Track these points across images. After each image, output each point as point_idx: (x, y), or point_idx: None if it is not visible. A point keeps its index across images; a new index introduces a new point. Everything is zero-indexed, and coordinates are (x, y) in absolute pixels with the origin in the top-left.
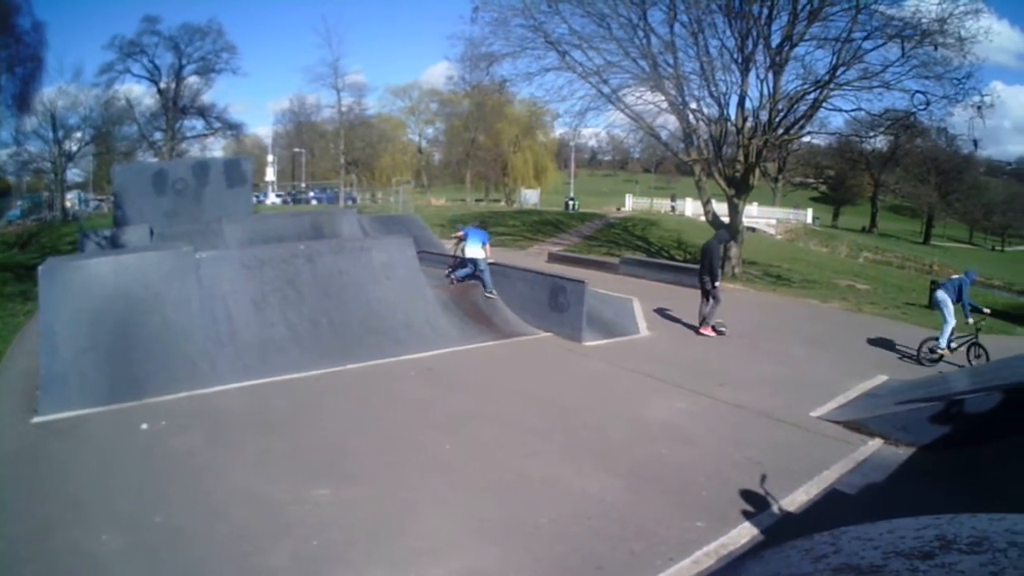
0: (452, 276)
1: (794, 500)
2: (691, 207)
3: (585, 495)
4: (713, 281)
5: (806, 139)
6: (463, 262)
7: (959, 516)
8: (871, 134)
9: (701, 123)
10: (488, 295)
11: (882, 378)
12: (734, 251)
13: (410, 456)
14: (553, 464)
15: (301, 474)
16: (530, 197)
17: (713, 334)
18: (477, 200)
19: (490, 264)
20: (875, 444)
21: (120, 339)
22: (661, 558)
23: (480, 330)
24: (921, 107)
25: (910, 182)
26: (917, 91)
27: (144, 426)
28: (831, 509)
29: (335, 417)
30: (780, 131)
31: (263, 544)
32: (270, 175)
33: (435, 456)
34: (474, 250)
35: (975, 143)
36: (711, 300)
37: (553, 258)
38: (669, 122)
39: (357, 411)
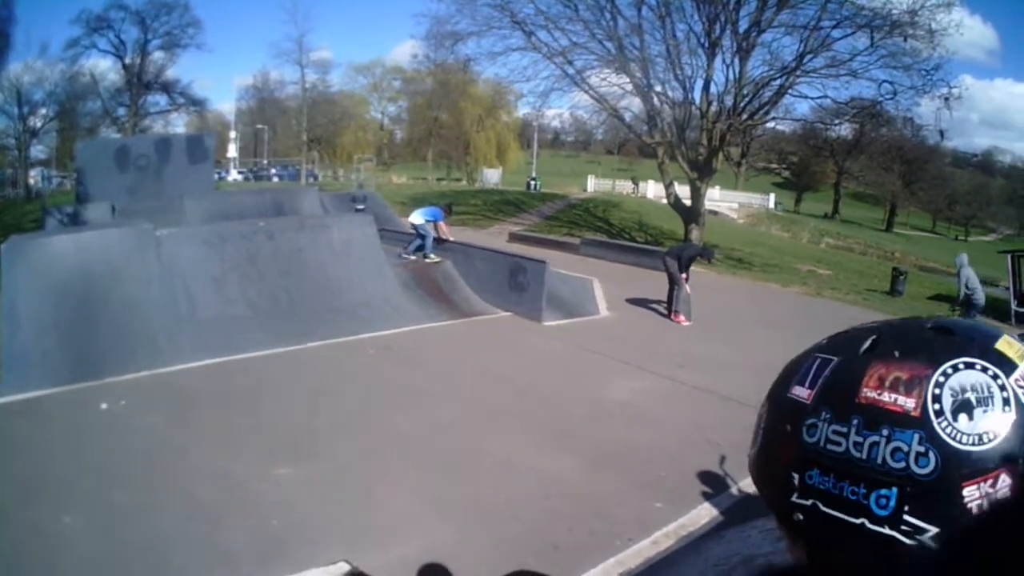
0: (404, 251)
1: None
2: (653, 189)
3: (543, 474)
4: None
5: (770, 125)
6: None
7: None
8: (836, 122)
9: (665, 106)
10: (428, 258)
11: None
12: (695, 234)
13: (370, 434)
14: (512, 443)
15: (262, 452)
16: (491, 176)
17: (686, 322)
18: (439, 179)
19: (451, 243)
20: None
21: (81, 318)
22: (620, 538)
23: (440, 309)
24: (888, 96)
25: (874, 170)
26: (884, 81)
27: (104, 405)
28: None
29: (295, 395)
30: (744, 116)
31: (225, 522)
32: (232, 152)
33: (394, 435)
34: (416, 218)
35: (941, 134)
36: (680, 289)
37: (514, 238)
38: (633, 104)
39: (317, 389)
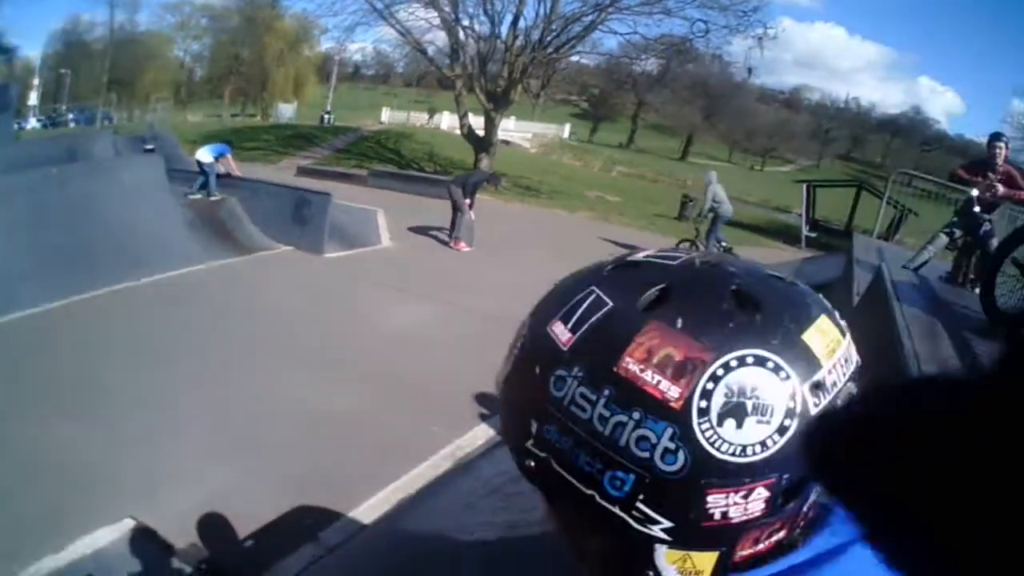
0: (190, 190)
1: None
2: (447, 121)
3: (324, 408)
4: (467, 200)
5: (575, 59)
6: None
7: None
8: (643, 57)
9: (471, 40)
10: (212, 196)
11: None
12: (485, 163)
13: (150, 382)
14: (292, 379)
15: (45, 410)
16: (286, 111)
17: (466, 248)
18: (233, 115)
19: (236, 179)
20: None
21: None
22: (398, 464)
23: (225, 247)
24: (700, 35)
25: (675, 103)
26: (698, 20)
27: None
28: None
29: (80, 348)
30: (550, 50)
31: (7, 489)
32: (33, 99)
33: (176, 380)
34: (202, 154)
35: (749, 71)
36: (463, 216)
37: (302, 172)
38: (438, 38)
39: (101, 340)
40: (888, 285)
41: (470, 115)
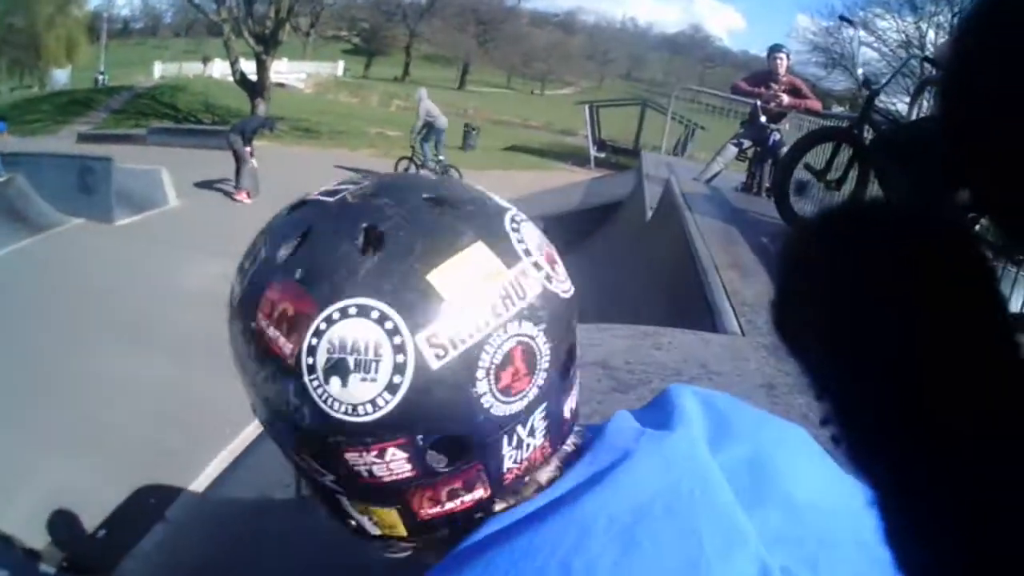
0: None
1: None
2: (219, 68)
3: (139, 381)
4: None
5: None
6: None
7: None
8: None
9: None
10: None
11: None
12: (262, 108)
13: None
14: (103, 356)
15: None
16: (60, 77)
17: (248, 200)
18: (11, 89)
19: (20, 155)
20: None
21: None
22: (225, 428)
23: (18, 229)
24: None
25: (447, 32)
26: None
27: None
28: None
29: None
30: None
31: None
32: None
33: None
34: None
35: None
36: (245, 165)
37: (83, 139)
38: None
39: None
40: (679, 197)
41: (241, 60)
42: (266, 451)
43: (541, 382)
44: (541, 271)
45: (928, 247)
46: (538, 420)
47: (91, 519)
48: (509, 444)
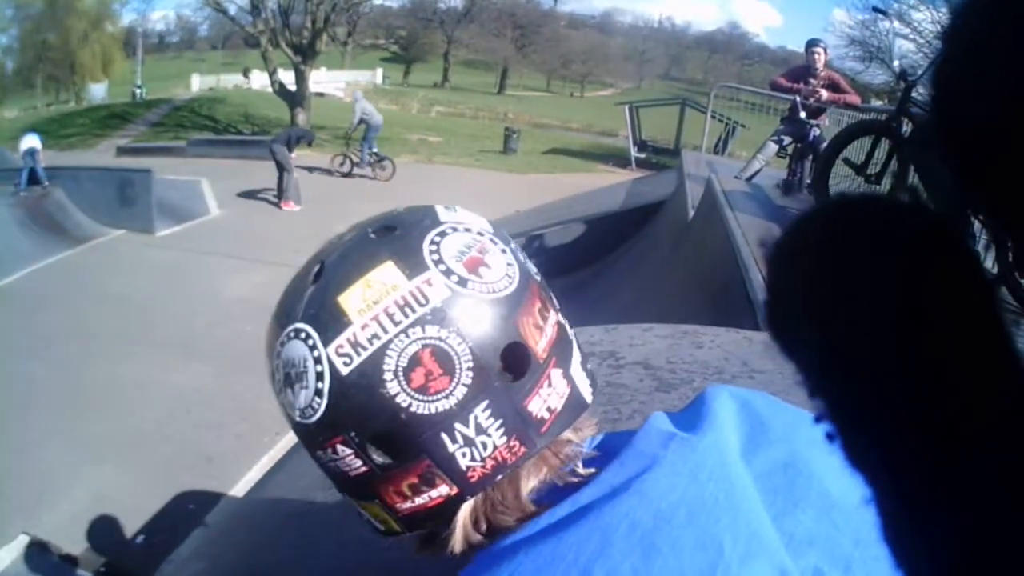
0: (16, 187)
1: None
2: (258, 79)
3: (180, 389)
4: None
5: (378, 1)
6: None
7: None
8: None
9: None
10: (45, 185)
11: None
12: (302, 117)
13: (8, 391)
14: (144, 365)
15: None
16: (97, 92)
17: (295, 207)
18: (48, 105)
19: (59, 169)
20: None
21: None
22: (267, 435)
23: (57, 241)
24: None
25: (485, 37)
26: None
27: None
28: None
29: None
30: None
31: None
32: None
33: (34, 385)
34: (30, 140)
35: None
36: (290, 175)
37: (122, 152)
38: None
39: None
40: (720, 196)
41: (280, 70)
42: (306, 457)
43: (468, 381)
44: (452, 276)
45: (924, 242)
46: (483, 419)
47: (131, 525)
48: (453, 442)
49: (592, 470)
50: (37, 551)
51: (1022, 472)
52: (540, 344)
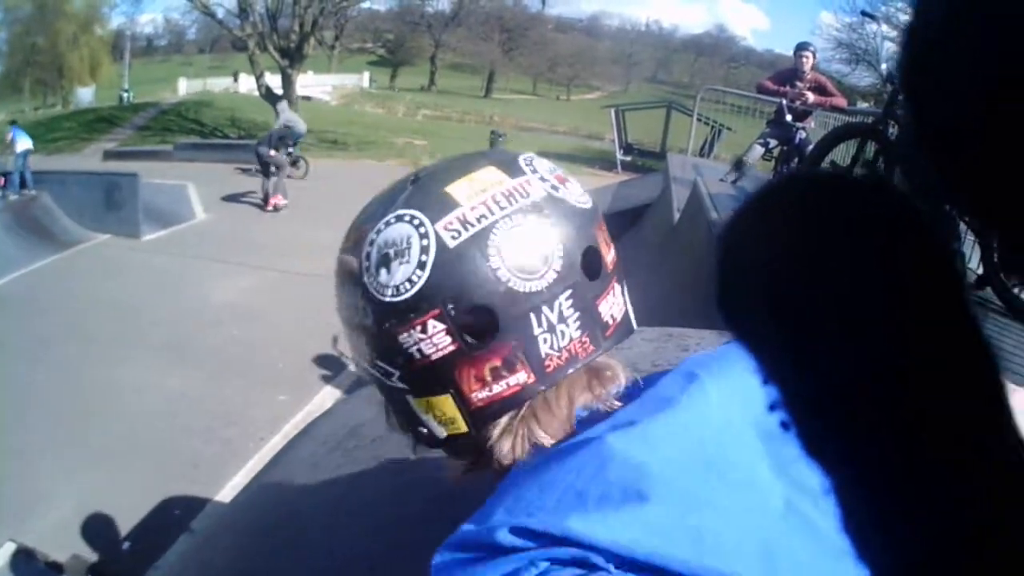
0: (4, 192)
1: None
2: (245, 83)
3: (170, 394)
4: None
5: (365, 5)
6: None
7: None
8: None
9: None
10: (30, 191)
11: None
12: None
13: (3, 395)
14: (130, 370)
15: None
16: (85, 96)
17: (283, 201)
18: (35, 108)
19: (46, 173)
20: None
21: None
22: (253, 440)
23: (44, 246)
24: None
25: (472, 41)
26: None
27: None
28: None
29: None
30: None
31: None
32: None
33: (28, 390)
34: (22, 142)
35: (543, 2)
36: (281, 173)
37: (109, 156)
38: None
39: None
40: (706, 198)
41: (267, 74)
42: (293, 463)
43: (558, 267)
44: (546, 182)
45: (884, 220)
46: (566, 307)
47: (117, 530)
48: (539, 325)
49: (619, 404)
50: (23, 558)
51: (986, 472)
52: (608, 257)
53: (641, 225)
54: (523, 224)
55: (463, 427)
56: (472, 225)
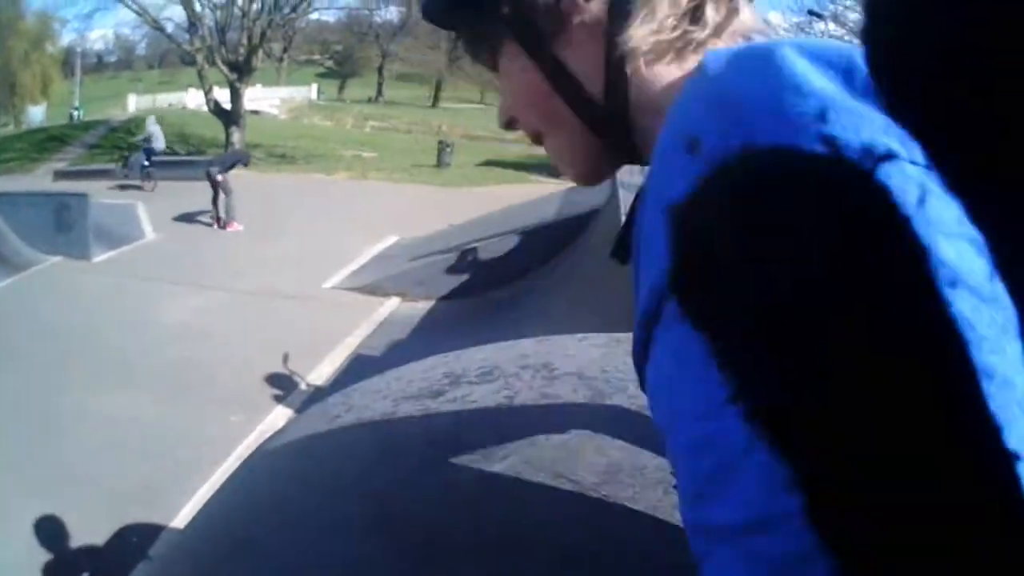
0: None
1: (321, 373)
2: (194, 98)
3: (119, 419)
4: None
5: (314, 16)
6: None
7: (467, 351)
8: (382, 6)
9: (207, 10)
10: None
11: (393, 238)
12: (236, 136)
13: None
14: (84, 396)
15: None
16: (36, 115)
17: (239, 227)
18: None
19: None
20: (393, 303)
21: None
22: (207, 462)
23: None
24: None
25: (419, 50)
26: None
27: None
28: (358, 373)
29: None
30: (287, 10)
31: None
32: None
33: None
34: None
35: None
36: (222, 194)
37: (59, 176)
38: (175, 14)
39: None
40: None
41: (215, 88)
42: (248, 484)
43: None
44: None
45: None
46: None
47: (74, 561)
48: None
49: None
50: None
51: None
52: None
53: (591, 230)
54: None
55: None
56: None
